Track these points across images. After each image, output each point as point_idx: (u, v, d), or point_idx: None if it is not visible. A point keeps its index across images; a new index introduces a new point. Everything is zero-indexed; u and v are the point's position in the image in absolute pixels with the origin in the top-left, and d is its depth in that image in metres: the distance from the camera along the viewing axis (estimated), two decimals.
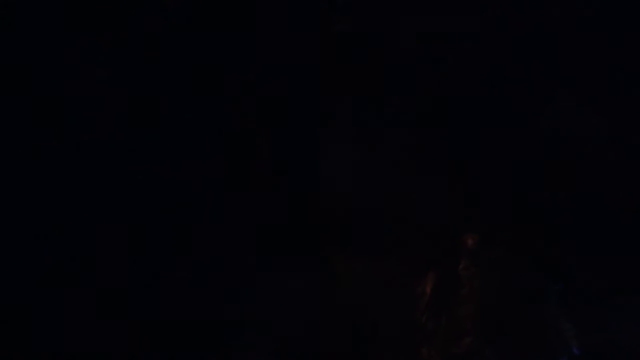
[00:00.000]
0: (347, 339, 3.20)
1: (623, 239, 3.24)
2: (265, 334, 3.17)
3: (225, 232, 3.14)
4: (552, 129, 3.35)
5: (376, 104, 3.33)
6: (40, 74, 3.07)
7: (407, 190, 3.33)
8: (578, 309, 3.15)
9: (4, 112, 3.02)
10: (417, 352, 3.14)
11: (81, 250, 3.01)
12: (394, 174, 3.34)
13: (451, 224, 3.30)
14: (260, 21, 3.28)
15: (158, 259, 3.08)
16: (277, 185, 3.22)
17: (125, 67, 3.10)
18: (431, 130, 3.36)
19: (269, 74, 3.26)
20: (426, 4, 3.37)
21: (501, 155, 3.35)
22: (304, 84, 3.28)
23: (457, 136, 3.35)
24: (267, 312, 3.18)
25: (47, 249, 2.98)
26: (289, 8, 3.30)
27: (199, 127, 3.18)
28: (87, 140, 3.08)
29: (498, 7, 3.39)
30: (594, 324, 3.13)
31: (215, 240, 3.13)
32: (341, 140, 3.33)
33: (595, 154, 3.32)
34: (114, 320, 2.98)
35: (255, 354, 3.11)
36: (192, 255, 3.13)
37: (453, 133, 3.35)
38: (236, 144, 3.21)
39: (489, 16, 3.39)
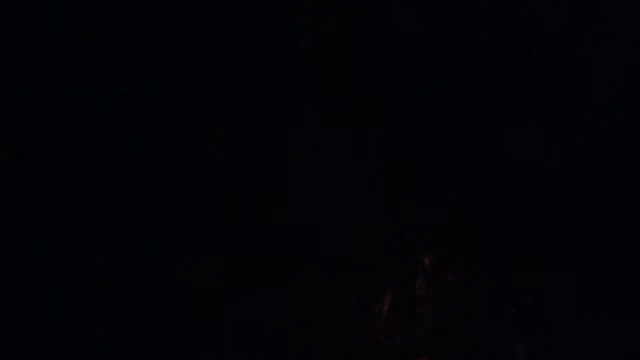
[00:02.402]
0: (305, 357, 3.20)
1: (573, 265, 3.35)
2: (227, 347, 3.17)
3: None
4: (509, 154, 3.42)
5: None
6: None
7: (368, 209, 3.35)
8: (529, 331, 3.25)
9: None
10: None
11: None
12: (355, 194, 3.35)
13: (409, 245, 3.34)
14: None
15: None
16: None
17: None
18: (393, 155, 3.38)
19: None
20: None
21: (460, 179, 3.40)
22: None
23: (418, 160, 3.39)
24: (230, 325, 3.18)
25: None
26: None
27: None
28: None
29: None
30: (543, 346, 3.23)
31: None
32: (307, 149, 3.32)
33: (548, 179, 3.41)
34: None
35: None
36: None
37: (415, 157, 3.38)
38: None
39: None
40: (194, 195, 3.13)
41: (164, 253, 3.05)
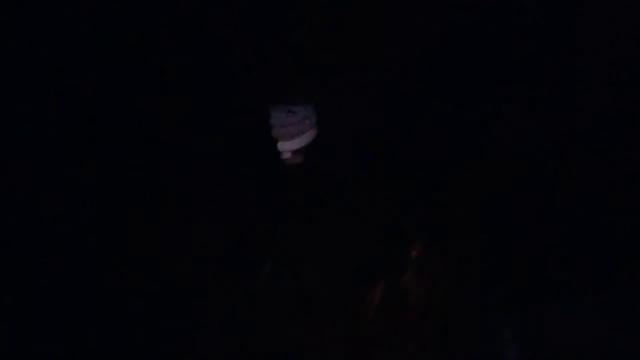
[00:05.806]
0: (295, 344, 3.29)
1: (561, 249, 3.37)
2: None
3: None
4: (497, 140, 3.44)
5: None
6: None
7: (356, 197, 3.43)
8: (518, 316, 3.30)
9: None
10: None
11: None
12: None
13: (398, 233, 3.41)
14: None
15: None
16: None
17: None
18: (380, 144, 3.45)
19: None
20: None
21: (447, 166, 3.44)
22: None
23: (405, 147, 3.44)
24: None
25: None
26: None
27: None
28: None
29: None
30: (532, 331, 3.28)
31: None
32: None
33: (538, 165, 3.43)
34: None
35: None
36: None
37: (402, 145, 3.44)
38: None
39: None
40: None
41: None
